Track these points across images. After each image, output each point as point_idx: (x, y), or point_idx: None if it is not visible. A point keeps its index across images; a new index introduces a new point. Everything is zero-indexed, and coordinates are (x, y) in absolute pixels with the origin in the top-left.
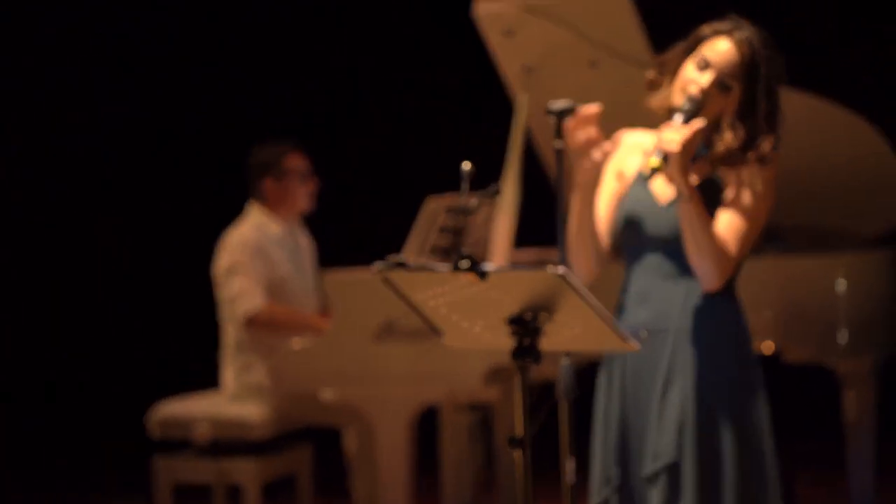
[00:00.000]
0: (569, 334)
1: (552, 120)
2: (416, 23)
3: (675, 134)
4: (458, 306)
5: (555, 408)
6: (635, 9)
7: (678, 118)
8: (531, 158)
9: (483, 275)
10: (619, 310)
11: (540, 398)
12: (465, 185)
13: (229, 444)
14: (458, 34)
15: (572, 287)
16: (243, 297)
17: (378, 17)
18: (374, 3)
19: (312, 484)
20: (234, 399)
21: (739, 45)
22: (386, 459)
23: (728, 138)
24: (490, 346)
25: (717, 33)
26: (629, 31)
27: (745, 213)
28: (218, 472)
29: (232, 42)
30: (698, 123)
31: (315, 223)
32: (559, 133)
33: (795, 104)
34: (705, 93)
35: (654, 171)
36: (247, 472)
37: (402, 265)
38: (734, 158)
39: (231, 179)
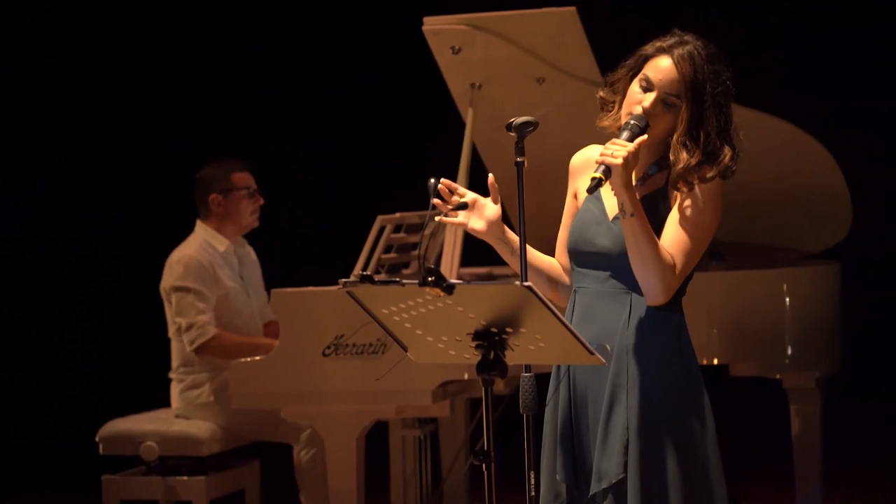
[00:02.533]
0: (534, 348)
1: (513, 135)
2: (368, 38)
3: (618, 147)
4: (422, 321)
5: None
6: (582, 25)
7: (624, 134)
8: (482, 174)
9: (449, 289)
10: None
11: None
12: (431, 200)
13: (177, 460)
14: (413, 51)
15: (539, 300)
16: (192, 329)
17: (329, 32)
18: (329, 17)
19: (261, 500)
20: (182, 416)
21: (680, 62)
22: (336, 475)
23: (684, 157)
24: (455, 361)
25: (660, 51)
26: (576, 47)
27: (692, 227)
28: (166, 488)
29: (190, 56)
30: (642, 139)
31: (264, 241)
32: (520, 148)
33: (743, 120)
34: (649, 113)
35: (596, 183)
36: (195, 489)
37: (368, 280)
38: (695, 175)
39: (183, 198)
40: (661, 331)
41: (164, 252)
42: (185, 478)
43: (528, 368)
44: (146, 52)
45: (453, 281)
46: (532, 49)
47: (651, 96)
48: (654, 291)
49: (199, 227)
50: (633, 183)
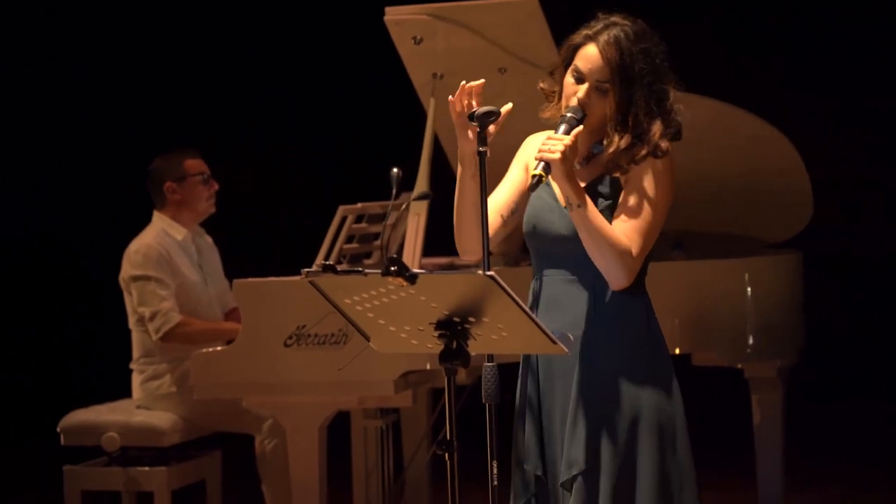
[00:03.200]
0: (497, 337)
1: (475, 125)
2: (368, 38)
3: (555, 142)
4: (385, 310)
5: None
6: (544, 15)
7: (561, 128)
8: (443, 165)
9: (412, 278)
10: None
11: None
12: (394, 190)
13: (139, 451)
14: (375, 42)
15: (502, 289)
16: (157, 317)
17: (329, 32)
18: (329, 17)
19: (222, 490)
20: (144, 407)
21: (605, 49)
22: (298, 465)
23: (615, 141)
24: (417, 350)
25: (587, 39)
26: (538, 37)
27: (644, 208)
28: (128, 479)
29: (190, 56)
30: (578, 130)
31: (264, 241)
32: (482, 139)
33: (705, 110)
34: (584, 104)
35: (537, 181)
36: (157, 479)
37: (330, 269)
38: (625, 157)
39: (143, 188)
40: (628, 315)
41: (125, 240)
42: (147, 468)
43: (490, 358)
44: (146, 52)
45: (416, 270)
46: (494, 39)
47: (583, 87)
48: (615, 277)
49: (156, 217)
50: (578, 165)
